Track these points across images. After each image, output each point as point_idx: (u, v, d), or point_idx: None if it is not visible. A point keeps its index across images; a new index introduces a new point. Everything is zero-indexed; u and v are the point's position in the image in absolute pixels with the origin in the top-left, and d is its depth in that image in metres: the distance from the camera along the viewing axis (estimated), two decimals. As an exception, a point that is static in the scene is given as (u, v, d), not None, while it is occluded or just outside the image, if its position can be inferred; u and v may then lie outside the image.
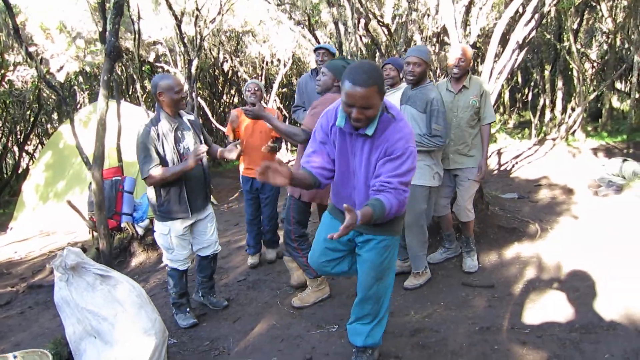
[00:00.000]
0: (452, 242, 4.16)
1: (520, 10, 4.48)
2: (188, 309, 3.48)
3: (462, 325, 3.04)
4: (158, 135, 3.09)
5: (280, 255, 4.52)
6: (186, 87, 7.03)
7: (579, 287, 3.35)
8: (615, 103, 12.91)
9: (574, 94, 9.82)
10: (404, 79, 3.78)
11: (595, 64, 10.82)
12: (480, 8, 4.84)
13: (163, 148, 3.11)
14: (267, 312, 3.57)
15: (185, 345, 3.22)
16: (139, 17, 5.77)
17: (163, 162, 3.12)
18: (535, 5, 4.28)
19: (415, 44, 7.71)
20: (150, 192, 3.24)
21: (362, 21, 5.98)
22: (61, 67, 6.62)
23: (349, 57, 5.69)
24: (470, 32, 5.05)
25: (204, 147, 3.13)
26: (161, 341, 2.62)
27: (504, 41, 4.67)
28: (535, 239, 4.38)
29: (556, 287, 3.45)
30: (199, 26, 6.98)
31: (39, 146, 14.10)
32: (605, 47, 11.22)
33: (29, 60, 4.74)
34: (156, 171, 3.05)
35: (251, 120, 4.11)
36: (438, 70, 9.94)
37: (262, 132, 4.21)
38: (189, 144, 3.22)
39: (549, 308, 3.15)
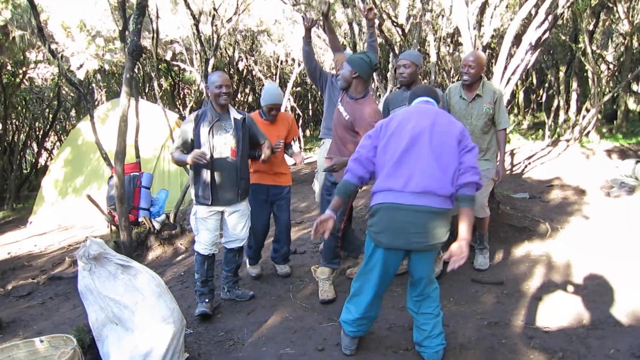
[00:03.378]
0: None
1: (534, 12, 4.51)
2: (207, 300, 3.58)
3: (471, 320, 3.11)
4: (197, 123, 3.36)
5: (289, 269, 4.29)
6: (202, 85, 7.15)
7: (587, 285, 3.39)
8: (632, 105, 12.76)
9: (589, 96, 9.77)
10: None
11: (611, 66, 10.73)
12: (495, 8, 4.86)
13: (199, 136, 3.35)
14: (280, 305, 3.67)
15: (201, 335, 3.33)
16: (157, 16, 5.91)
17: (197, 147, 3.35)
18: (548, 7, 4.31)
19: (428, 45, 7.75)
20: (190, 176, 3.54)
21: (377, 22, 6.03)
22: (81, 65, 6.80)
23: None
24: (484, 33, 5.09)
25: (205, 154, 3.21)
26: (179, 329, 2.73)
27: (517, 42, 4.70)
28: (546, 238, 4.42)
29: (564, 285, 3.49)
30: (216, 25, 7.11)
31: (57, 143, 14.38)
32: (621, 48, 11.12)
33: (51, 57, 4.89)
34: (172, 152, 3.41)
35: (266, 125, 4.01)
36: (452, 71, 9.96)
37: (279, 136, 4.04)
38: (223, 138, 3.39)
39: (557, 305, 3.21)
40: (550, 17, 4.63)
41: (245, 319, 3.50)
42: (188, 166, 3.51)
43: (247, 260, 4.31)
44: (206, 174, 3.37)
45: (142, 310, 2.64)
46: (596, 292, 3.29)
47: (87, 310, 2.70)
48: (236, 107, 4.49)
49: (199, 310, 3.51)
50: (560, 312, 3.10)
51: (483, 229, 3.99)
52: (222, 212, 3.54)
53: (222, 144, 3.37)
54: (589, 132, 9.32)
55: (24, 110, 12.27)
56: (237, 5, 7.23)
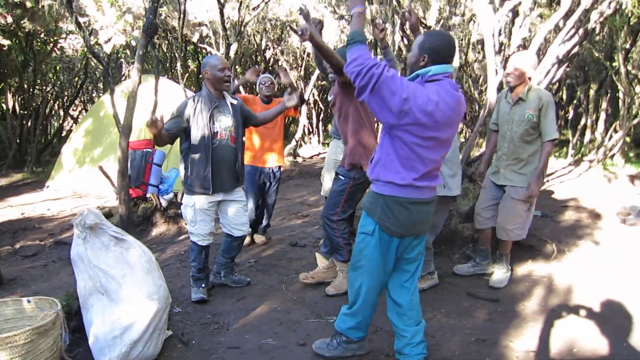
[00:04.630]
0: (485, 258, 3.96)
1: (562, 24, 4.37)
2: (203, 285, 3.59)
3: (458, 333, 3.05)
4: (195, 109, 3.25)
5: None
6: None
7: (587, 313, 3.29)
8: (664, 131, 12.33)
9: (619, 117, 9.47)
10: None
11: (646, 88, 10.37)
12: (525, 17, 4.72)
13: (197, 122, 3.25)
14: (271, 295, 3.67)
15: (188, 315, 3.35)
16: (186, -3, 5.94)
17: (194, 134, 3.26)
18: (576, 20, 4.15)
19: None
20: (181, 166, 3.41)
21: (398, 21, 5.97)
22: (109, 39, 6.88)
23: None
24: (511, 43, 4.96)
25: (159, 117, 3.05)
26: (163, 307, 2.75)
27: (540, 54, 4.57)
28: (550, 259, 4.30)
29: (561, 309, 3.39)
30: (242, 11, 7.11)
31: (83, 112, 14.67)
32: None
33: (77, 29, 4.96)
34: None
35: (264, 106, 4.42)
36: (481, 79, 9.76)
37: (275, 120, 4.27)
38: (223, 124, 3.34)
39: (549, 329, 3.11)
40: (580, 31, 4.48)
41: (234, 305, 3.51)
42: (181, 154, 3.38)
43: None
44: (205, 162, 3.28)
45: (129, 284, 2.67)
46: (595, 320, 3.18)
47: (77, 278, 2.74)
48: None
49: (197, 297, 3.52)
50: (552, 337, 3.01)
51: (505, 250, 3.80)
52: (220, 201, 3.49)
53: (221, 130, 3.32)
54: (614, 155, 9.04)
55: (53, 77, 12.54)
56: (265, -7, 7.22)
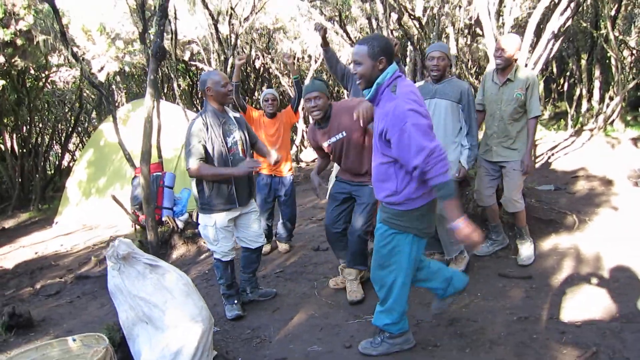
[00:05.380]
0: (499, 234, 4.09)
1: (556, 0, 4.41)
2: (236, 301, 3.58)
3: (499, 315, 3.07)
4: (207, 127, 3.21)
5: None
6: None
7: (618, 278, 3.32)
8: (657, 91, 12.42)
9: (612, 83, 9.53)
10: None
11: (634, 52, 10.45)
12: (514, -2, 4.77)
13: (212, 141, 3.22)
14: (305, 303, 3.67)
15: (228, 333, 3.35)
16: (175, 17, 5.95)
17: (211, 153, 3.23)
18: (572, -6, 4.21)
19: (447, 37, 7.64)
20: (194, 186, 3.36)
21: (395, 15, 6.00)
22: (102, 68, 6.90)
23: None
24: (504, 23, 5.00)
25: (258, 164, 3.21)
26: (208, 327, 2.75)
27: (538, 31, 4.60)
28: (573, 230, 4.33)
29: (595, 277, 3.42)
30: (233, 25, 7.12)
31: (80, 145, 14.64)
32: (645, 33, 10.81)
33: (74, 61, 4.97)
34: (198, 165, 3.16)
35: (269, 118, 4.57)
36: (470, 62, 9.82)
37: (278, 129, 4.54)
38: (236, 138, 3.33)
39: (588, 298, 3.14)
40: (572, 5, 4.51)
41: (271, 317, 3.51)
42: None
43: None
44: (228, 178, 3.27)
45: (171, 309, 2.67)
46: (628, 284, 3.21)
47: (118, 310, 2.74)
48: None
49: (233, 314, 3.51)
50: (591, 306, 3.04)
51: (520, 222, 3.88)
52: (236, 216, 3.47)
53: (233, 144, 3.31)
54: (613, 121, 9.10)
55: (47, 112, 12.52)
56: (254, 4, 7.24)
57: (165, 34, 7.59)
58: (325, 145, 3.46)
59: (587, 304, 3.06)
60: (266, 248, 4.79)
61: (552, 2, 4.42)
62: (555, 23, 4.45)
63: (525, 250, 3.87)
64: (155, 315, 2.64)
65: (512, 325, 2.93)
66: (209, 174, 3.22)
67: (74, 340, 2.65)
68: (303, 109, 4.72)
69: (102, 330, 3.09)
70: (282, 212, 4.86)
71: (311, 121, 3.41)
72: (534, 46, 4.57)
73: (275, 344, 3.12)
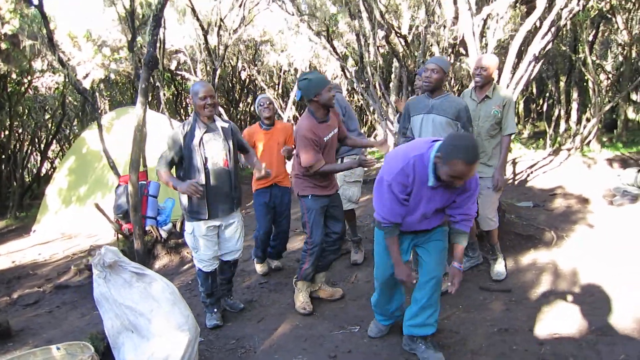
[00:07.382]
0: (475, 250, 4.18)
1: (538, 24, 4.60)
2: (215, 309, 3.59)
3: (480, 326, 3.14)
4: (185, 136, 3.24)
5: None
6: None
7: (594, 292, 3.43)
8: (631, 114, 12.87)
9: (589, 105, 9.86)
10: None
11: (610, 76, 10.86)
12: (497, 21, 4.94)
13: (190, 149, 3.25)
14: (289, 313, 3.69)
15: (212, 343, 3.35)
16: (164, 27, 5.98)
17: (188, 161, 3.27)
18: (552, 20, 4.39)
19: (432, 55, 7.83)
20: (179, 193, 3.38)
21: (382, 33, 6.15)
22: (87, 74, 6.86)
23: (367, 67, 5.82)
24: (487, 44, 5.17)
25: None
26: (194, 336, 2.75)
27: (519, 53, 4.78)
28: (551, 246, 4.46)
29: (571, 292, 3.53)
30: (221, 36, 7.18)
31: (60, 153, 14.39)
32: (620, 58, 11.25)
33: (60, 67, 4.95)
34: (161, 170, 3.28)
35: (266, 132, 4.33)
36: (452, 81, 10.04)
37: (279, 143, 4.28)
38: (214, 149, 3.32)
39: (565, 311, 3.24)
40: (553, 29, 4.71)
41: (256, 327, 3.52)
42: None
43: (255, 259, 4.66)
44: (200, 187, 3.20)
45: (157, 318, 2.67)
46: (604, 299, 3.32)
47: (103, 318, 2.72)
48: (238, 117, 4.59)
49: (211, 323, 3.52)
50: (568, 318, 3.14)
51: (493, 240, 3.98)
52: (219, 225, 3.47)
53: (213, 154, 3.30)
54: (590, 142, 9.39)
55: (27, 118, 12.31)
56: (244, 16, 7.32)
57: (153, 44, 7.63)
58: (325, 139, 3.44)
59: (564, 317, 3.16)
60: (264, 268, 4.62)
61: (534, 26, 4.59)
62: (537, 46, 4.63)
63: (498, 265, 3.99)
64: (141, 324, 2.64)
65: (493, 336, 3.00)
66: (162, 181, 3.30)
67: (58, 348, 2.63)
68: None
69: (86, 339, 3.07)
70: (275, 225, 4.56)
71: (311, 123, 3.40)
72: (515, 67, 4.72)
73: (259, 355, 3.13)
